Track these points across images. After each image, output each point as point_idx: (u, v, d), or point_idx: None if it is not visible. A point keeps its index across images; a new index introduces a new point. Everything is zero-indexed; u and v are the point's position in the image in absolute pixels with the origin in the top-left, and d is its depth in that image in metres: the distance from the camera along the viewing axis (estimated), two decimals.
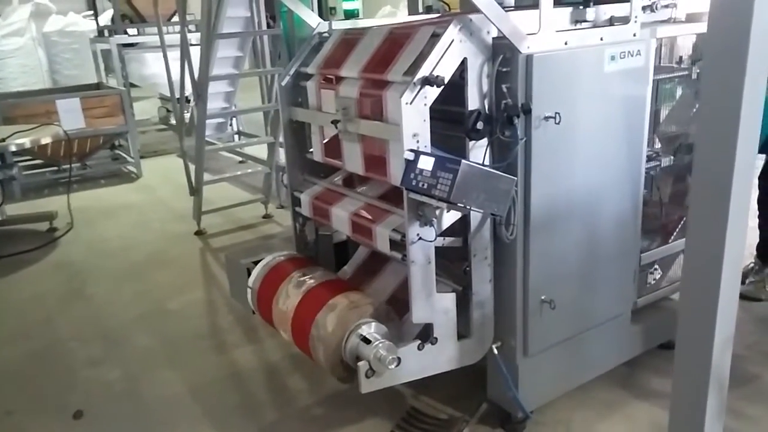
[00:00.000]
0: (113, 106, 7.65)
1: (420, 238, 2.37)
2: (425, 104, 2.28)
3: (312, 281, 2.72)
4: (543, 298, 2.66)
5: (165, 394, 3.38)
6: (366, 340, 2.43)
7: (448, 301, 2.55)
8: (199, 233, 5.82)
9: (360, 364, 2.38)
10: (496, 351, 2.71)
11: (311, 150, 3.14)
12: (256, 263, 3.15)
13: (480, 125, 2.37)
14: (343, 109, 2.64)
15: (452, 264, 2.70)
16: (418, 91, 2.25)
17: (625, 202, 2.86)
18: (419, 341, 2.52)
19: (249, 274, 3.10)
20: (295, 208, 3.18)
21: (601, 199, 2.75)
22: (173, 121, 9.48)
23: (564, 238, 2.67)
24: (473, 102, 2.37)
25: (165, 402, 3.31)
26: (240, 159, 8.06)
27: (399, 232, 2.46)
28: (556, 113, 2.41)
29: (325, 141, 2.96)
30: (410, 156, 2.25)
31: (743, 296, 3.78)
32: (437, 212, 2.35)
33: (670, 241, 3.24)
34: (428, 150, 2.31)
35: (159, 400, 3.33)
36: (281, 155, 6.28)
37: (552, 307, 2.64)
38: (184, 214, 6.16)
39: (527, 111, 2.35)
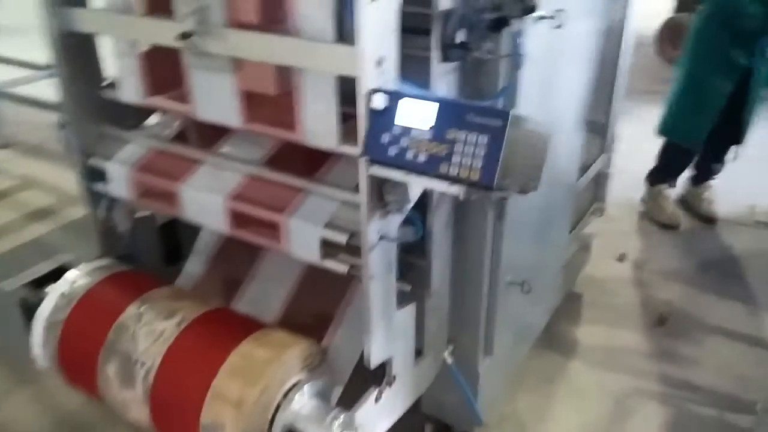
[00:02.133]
0: None
1: (382, 238, 1.40)
2: (395, 1, 1.24)
3: (172, 324, 1.57)
4: (509, 279, 1.92)
5: None
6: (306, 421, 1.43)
7: (408, 316, 1.65)
8: None
9: None
10: (450, 359, 1.92)
11: (108, 83, 1.85)
12: (35, 285, 1.84)
13: (461, 36, 1.42)
14: (195, 12, 1.43)
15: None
16: None
17: (578, 131, 2.19)
18: (375, 390, 1.61)
19: (28, 311, 1.79)
20: (92, 184, 1.88)
21: (563, 131, 2.04)
22: None
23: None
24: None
25: None
26: None
27: (340, 228, 1.45)
28: (557, 11, 1.55)
29: (141, 65, 1.69)
30: (381, 102, 1.22)
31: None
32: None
33: None
34: (397, 85, 1.30)
35: None
36: None
37: (526, 290, 1.92)
38: None
39: (530, 8, 1.45)
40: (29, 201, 3.86)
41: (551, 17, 1.54)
